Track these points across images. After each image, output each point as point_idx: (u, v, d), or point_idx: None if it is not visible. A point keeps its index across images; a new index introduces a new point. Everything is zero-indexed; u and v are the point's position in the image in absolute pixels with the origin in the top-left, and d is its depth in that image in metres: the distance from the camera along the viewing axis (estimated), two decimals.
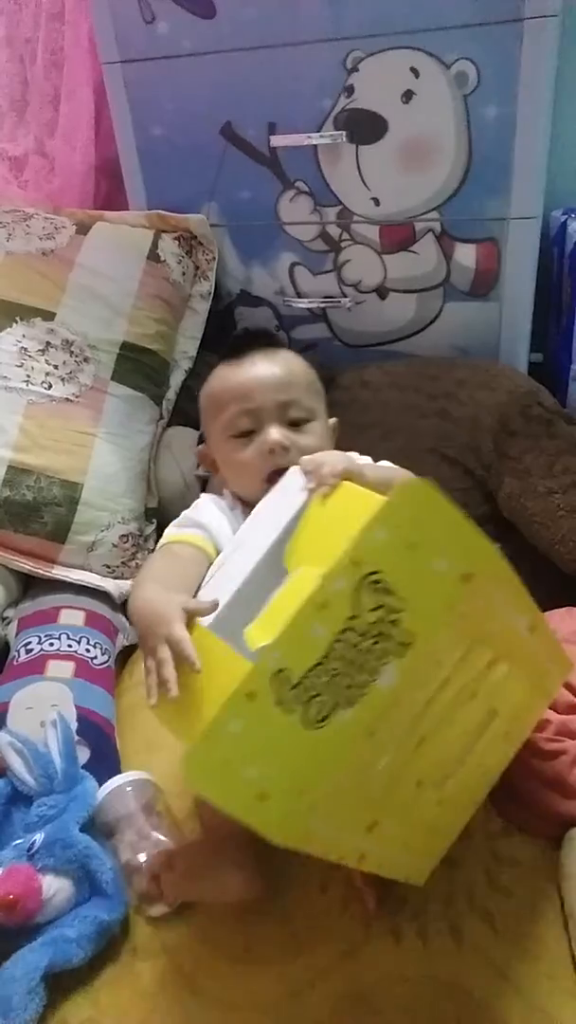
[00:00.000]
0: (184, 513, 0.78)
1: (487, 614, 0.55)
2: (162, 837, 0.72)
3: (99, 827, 0.75)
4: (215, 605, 0.62)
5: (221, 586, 0.65)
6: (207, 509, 0.77)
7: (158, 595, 0.63)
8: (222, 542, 0.73)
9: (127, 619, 1.08)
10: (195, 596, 0.66)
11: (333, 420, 0.81)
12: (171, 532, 0.76)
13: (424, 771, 0.59)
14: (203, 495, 0.80)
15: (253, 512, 0.71)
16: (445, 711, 0.56)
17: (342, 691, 0.49)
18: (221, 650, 0.59)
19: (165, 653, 0.59)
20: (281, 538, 0.65)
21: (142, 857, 0.71)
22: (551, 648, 0.68)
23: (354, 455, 0.74)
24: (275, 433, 0.73)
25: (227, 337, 1.34)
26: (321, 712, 0.49)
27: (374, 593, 0.49)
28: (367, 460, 0.76)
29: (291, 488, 0.69)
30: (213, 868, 0.67)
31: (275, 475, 0.72)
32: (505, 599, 0.56)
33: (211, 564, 0.71)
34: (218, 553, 0.72)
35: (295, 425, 0.75)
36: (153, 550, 1.16)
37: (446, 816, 0.65)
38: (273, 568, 0.64)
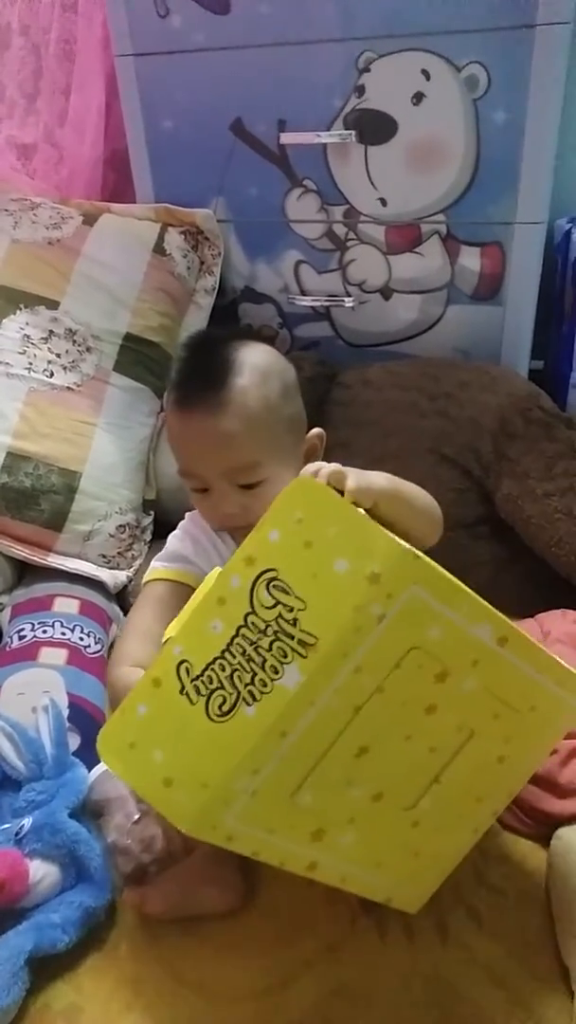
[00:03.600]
0: (168, 544, 0.80)
1: (421, 619, 0.52)
2: (151, 821, 0.72)
3: (89, 806, 0.75)
4: None
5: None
6: (190, 538, 0.80)
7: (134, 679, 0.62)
8: (208, 567, 0.72)
9: (121, 609, 1.08)
10: None
11: (316, 431, 0.79)
12: (156, 567, 0.79)
13: (380, 784, 0.57)
14: (188, 515, 0.82)
15: None
16: (388, 721, 0.54)
17: (243, 687, 0.50)
18: None
19: None
20: None
21: (128, 840, 0.71)
22: (551, 667, 0.60)
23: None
24: (226, 507, 0.74)
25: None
26: (224, 705, 0.50)
27: (271, 591, 0.50)
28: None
29: None
30: (189, 891, 0.68)
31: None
32: (447, 605, 0.52)
33: None
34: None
35: (248, 487, 0.73)
36: (149, 542, 1.16)
37: (431, 840, 0.63)
38: None
